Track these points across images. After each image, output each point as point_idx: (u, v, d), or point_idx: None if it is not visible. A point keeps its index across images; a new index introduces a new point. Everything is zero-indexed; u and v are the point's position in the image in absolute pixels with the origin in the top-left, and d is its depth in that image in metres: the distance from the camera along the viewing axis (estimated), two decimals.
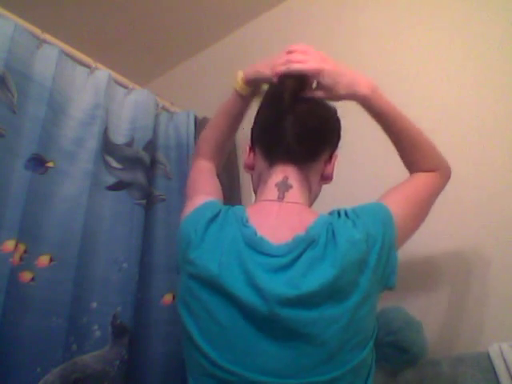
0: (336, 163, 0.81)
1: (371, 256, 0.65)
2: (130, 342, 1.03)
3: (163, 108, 1.44)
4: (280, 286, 0.63)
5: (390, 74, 1.31)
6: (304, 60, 0.76)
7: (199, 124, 1.50)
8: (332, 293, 0.63)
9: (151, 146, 1.27)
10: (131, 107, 1.28)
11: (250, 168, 0.84)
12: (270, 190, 0.76)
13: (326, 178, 0.81)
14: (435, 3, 1.31)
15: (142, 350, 1.09)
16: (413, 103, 1.19)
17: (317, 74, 0.75)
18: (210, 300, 0.67)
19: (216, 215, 0.74)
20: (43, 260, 0.94)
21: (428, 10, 1.32)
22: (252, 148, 0.84)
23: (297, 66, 0.76)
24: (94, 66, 1.22)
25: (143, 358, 1.09)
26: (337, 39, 1.50)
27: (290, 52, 0.79)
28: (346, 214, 0.70)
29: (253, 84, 0.88)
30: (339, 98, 0.77)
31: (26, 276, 0.90)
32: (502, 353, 0.89)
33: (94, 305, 1.01)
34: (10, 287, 0.85)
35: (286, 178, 0.76)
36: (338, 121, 0.81)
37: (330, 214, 0.72)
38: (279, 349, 0.63)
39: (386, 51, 1.36)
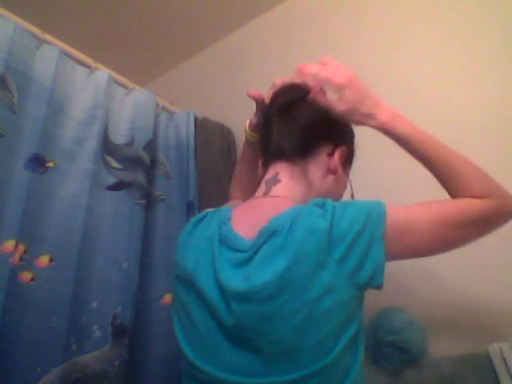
0: (341, 158, 0.76)
1: (337, 247, 0.59)
2: (130, 342, 1.03)
3: (163, 108, 1.44)
4: (236, 280, 0.62)
5: (391, 74, 1.31)
6: (334, 71, 0.75)
7: (199, 124, 1.50)
8: (285, 285, 0.58)
9: (151, 145, 1.27)
10: (131, 107, 1.28)
11: (260, 178, 0.83)
12: (260, 188, 0.77)
13: (332, 172, 0.77)
14: (436, 3, 1.31)
15: (142, 350, 1.09)
16: (413, 103, 1.19)
17: (343, 86, 0.74)
18: (188, 300, 0.68)
19: (202, 218, 0.76)
20: (43, 260, 0.94)
21: (428, 9, 1.32)
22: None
23: (326, 74, 0.75)
24: (94, 66, 1.22)
25: (143, 358, 1.09)
26: (337, 39, 1.50)
27: (322, 63, 0.78)
28: (323, 204, 0.64)
29: (257, 129, 0.89)
30: (357, 115, 0.74)
31: (26, 276, 0.90)
32: (501, 353, 0.89)
33: (94, 305, 1.00)
34: (9, 287, 0.85)
35: (276, 174, 0.76)
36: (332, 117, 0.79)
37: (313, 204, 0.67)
38: (241, 346, 0.61)
39: (387, 51, 1.36)
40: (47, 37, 1.11)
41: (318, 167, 0.76)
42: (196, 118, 1.49)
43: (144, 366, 1.09)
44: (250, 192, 0.92)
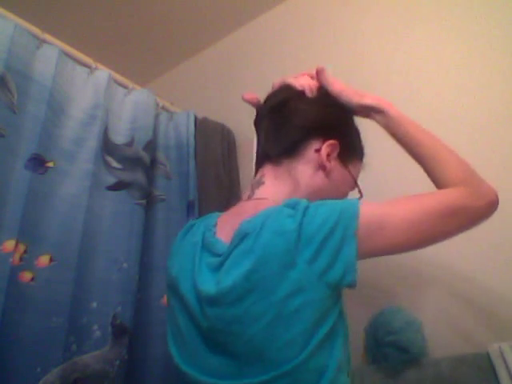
0: (330, 152, 0.75)
1: (306, 247, 0.59)
2: (130, 342, 1.03)
3: (163, 108, 1.44)
4: (210, 284, 0.63)
5: (391, 74, 1.31)
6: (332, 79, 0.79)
7: (199, 124, 1.50)
8: (252, 287, 0.59)
9: (151, 145, 1.27)
10: (131, 107, 1.28)
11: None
12: (247, 191, 0.77)
13: (321, 169, 0.75)
14: (436, 3, 1.31)
15: (142, 350, 1.09)
16: (413, 103, 1.19)
17: (339, 93, 0.78)
18: (174, 304, 0.71)
19: (192, 225, 0.77)
20: (43, 260, 0.94)
21: (428, 10, 1.32)
22: None
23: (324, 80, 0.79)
24: (94, 65, 1.22)
25: (143, 358, 1.09)
26: (337, 39, 1.50)
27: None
28: (295, 204, 0.63)
29: None
30: (349, 94, 0.78)
31: (26, 276, 0.90)
32: (501, 353, 0.89)
33: (94, 305, 1.01)
34: (9, 287, 0.85)
35: (261, 177, 0.76)
36: (317, 108, 0.78)
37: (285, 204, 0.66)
38: (217, 350, 0.62)
39: (387, 51, 1.36)
40: (47, 37, 1.11)
41: (306, 165, 0.75)
42: (196, 118, 1.49)
43: (144, 365, 1.09)
44: None
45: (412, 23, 1.34)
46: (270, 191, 0.73)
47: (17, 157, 0.95)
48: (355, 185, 0.80)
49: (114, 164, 1.17)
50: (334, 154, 0.75)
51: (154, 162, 1.30)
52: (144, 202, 1.19)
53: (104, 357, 0.97)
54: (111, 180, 1.15)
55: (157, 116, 1.37)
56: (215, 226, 0.72)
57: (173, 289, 0.71)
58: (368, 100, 0.77)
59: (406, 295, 1.10)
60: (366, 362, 1.08)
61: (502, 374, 0.87)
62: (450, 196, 0.66)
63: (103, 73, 1.22)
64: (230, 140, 1.58)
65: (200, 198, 1.37)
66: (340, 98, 0.78)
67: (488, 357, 0.90)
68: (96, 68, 1.22)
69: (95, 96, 1.17)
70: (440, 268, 1.08)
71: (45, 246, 0.95)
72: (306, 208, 0.62)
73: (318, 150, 0.75)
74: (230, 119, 1.62)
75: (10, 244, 0.88)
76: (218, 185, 1.43)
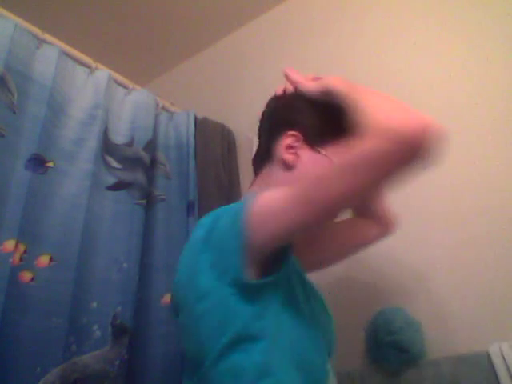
0: (288, 143, 0.72)
1: (209, 252, 0.62)
2: (130, 341, 1.03)
3: (163, 108, 1.44)
4: None
5: (389, 75, 1.31)
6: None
7: (199, 124, 1.50)
8: (176, 300, 0.69)
9: (151, 145, 1.27)
10: (131, 107, 1.28)
11: None
12: None
13: (285, 165, 0.72)
14: (436, 3, 1.31)
15: (142, 350, 1.09)
16: (413, 103, 1.19)
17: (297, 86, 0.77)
18: None
19: None
20: (43, 260, 0.94)
21: (428, 10, 1.32)
22: None
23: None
24: (94, 65, 1.22)
25: (143, 358, 1.09)
26: (336, 39, 1.50)
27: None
28: (215, 212, 0.68)
29: None
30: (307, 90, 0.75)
31: (26, 276, 0.90)
32: (502, 353, 0.89)
33: (94, 305, 1.00)
34: (9, 287, 0.85)
35: (251, 186, 0.80)
36: (276, 104, 0.79)
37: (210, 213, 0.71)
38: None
39: (386, 51, 1.36)
40: (47, 37, 1.11)
41: (278, 166, 0.74)
42: (196, 118, 1.49)
43: (144, 365, 1.09)
44: None
45: (412, 23, 1.34)
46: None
47: (17, 157, 0.95)
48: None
49: (114, 164, 1.17)
50: (297, 144, 0.72)
51: (154, 162, 1.29)
52: (144, 202, 1.19)
53: (104, 357, 0.97)
54: (111, 180, 1.15)
55: (157, 116, 1.36)
56: None
57: None
58: (311, 87, 0.74)
59: (405, 295, 1.10)
60: (366, 362, 1.08)
61: (502, 374, 0.87)
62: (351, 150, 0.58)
63: (103, 73, 1.22)
64: (230, 140, 1.58)
65: (200, 198, 1.37)
66: (301, 91, 0.76)
67: (488, 357, 0.91)
68: (96, 68, 1.22)
69: (95, 96, 1.17)
70: (440, 268, 1.08)
71: (45, 246, 0.95)
72: (218, 215, 0.66)
73: (279, 147, 0.74)
74: (230, 119, 1.62)
75: (9, 244, 0.87)
76: (218, 185, 1.43)
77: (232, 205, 0.67)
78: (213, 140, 1.49)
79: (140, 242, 1.13)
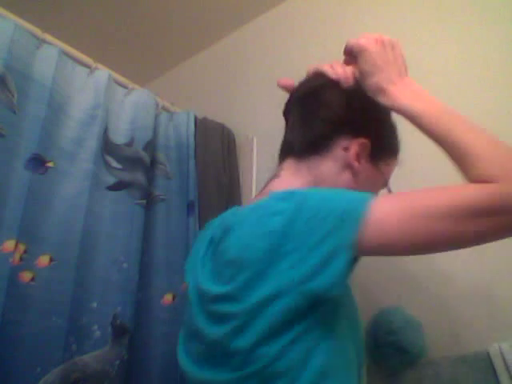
0: (359, 152, 0.69)
1: (292, 253, 0.54)
2: (130, 342, 1.03)
3: (163, 108, 1.44)
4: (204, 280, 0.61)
5: None
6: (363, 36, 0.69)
7: (199, 124, 1.50)
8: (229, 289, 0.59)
9: (151, 145, 1.27)
10: (131, 107, 1.28)
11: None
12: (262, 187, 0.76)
13: (350, 169, 0.69)
14: (436, 4, 1.31)
15: (142, 350, 1.09)
16: None
17: (359, 49, 0.67)
18: (187, 302, 0.69)
19: (211, 222, 0.77)
20: (43, 260, 0.94)
21: (428, 10, 1.32)
22: None
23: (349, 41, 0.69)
24: (94, 66, 1.22)
25: (143, 358, 1.09)
26: (337, 39, 1.49)
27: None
28: (286, 198, 0.57)
29: None
30: (368, 84, 0.67)
31: (26, 276, 0.90)
32: (502, 353, 0.89)
33: (94, 305, 1.00)
34: (9, 287, 0.85)
35: (279, 170, 0.72)
36: (351, 101, 0.70)
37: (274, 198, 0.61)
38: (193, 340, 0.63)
39: None
40: (47, 37, 1.11)
41: (332, 163, 0.69)
42: (196, 118, 1.49)
43: (144, 365, 1.09)
44: None
45: (413, 23, 1.34)
46: (281, 186, 0.68)
47: (17, 157, 0.95)
48: (386, 186, 0.74)
49: (114, 164, 1.17)
50: (364, 154, 0.69)
51: (154, 162, 1.29)
52: (144, 202, 1.19)
53: (104, 357, 0.97)
54: (111, 180, 1.15)
55: (157, 116, 1.36)
56: None
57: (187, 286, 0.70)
58: (382, 100, 0.66)
59: (406, 295, 1.10)
60: (365, 362, 1.08)
61: (502, 374, 0.87)
62: (469, 193, 0.52)
63: (103, 73, 1.22)
64: (230, 140, 1.58)
65: (200, 198, 1.37)
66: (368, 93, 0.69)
67: (488, 357, 0.90)
68: (96, 68, 1.22)
69: (95, 96, 1.17)
70: (439, 268, 1.08)
71: (45, 246, 0.95)
72: (300, 203, 0.54)
73: (346, 149, 0.69)
74: (230, 119, 1.62)
75: (9, 244, 0.87)
76: (218, 185, 1.43)
77: (326, 195, 0.57)
78: (213, 140, 1.49)
79: (140, 242, 1.13)
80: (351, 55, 0.70)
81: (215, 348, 0.57)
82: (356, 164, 0.69)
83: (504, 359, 0.88)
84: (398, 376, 1.00)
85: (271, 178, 0.73)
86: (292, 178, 0.70)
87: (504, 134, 1.09)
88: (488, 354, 0.91)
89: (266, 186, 0.73)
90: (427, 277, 1.09)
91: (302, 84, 0.76)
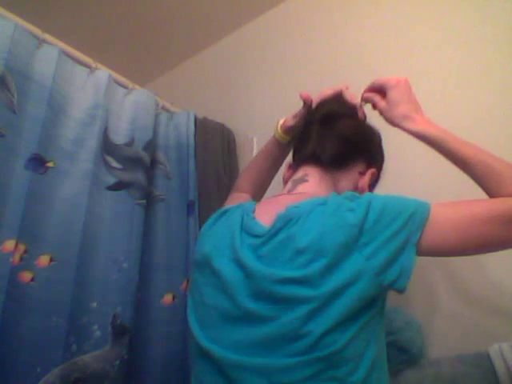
0: (370, 180, 0.80)
1: (368, 244, 0.60)
2: (130, 342, 1.03)
3: (163, 108, 1.44)
4: (256, 264, 0.64)
5: (392, 74, 1.31)
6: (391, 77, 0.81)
7: (199, 124, 1.50)
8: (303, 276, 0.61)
9: (151, 145, 1.27)
10: (131, 107, 1.28)
11: (285, 181, 0.85)
12: (286, 186, 0.80)
13: (359, 191, 0.78)
14: (436, 4, 1.31)
15: (142, 350, 1.09)
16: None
17: (392, 86, 0.78)
18: (202, 281, 0.71)
19: (227, 210, 0.79)
20: (43, 260, 0.94)
21: (429, 10, 1.32)
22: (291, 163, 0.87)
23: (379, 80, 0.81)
24: (94, 65, 1.22)
25: (143, 358, 1.09)
26: (337, 39, 1.50)
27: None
28: (353, 197, 0.65)
29: (291, 132, 0.91)
30: (394, 114, 0.77)
31: (26, 276, 0.90)
32: (501, 353, 0.89)
33: (94, 305, 1.01)
34: (10, 287, 0.85)
35: (305, 175, 0.79)
36: (370, 134, 0.83)
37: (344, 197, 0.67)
38: (255, 325, 0.62)
39: (387, 51, 1.36)
40: (47, 37, 1.11)
41: (348, 181, 0.79)
42: (196, 118, 1.49)
43: (144, 366, 1.09)
44: (261, 187, 0.99)
45: (413, 23, 1.34)
46: (313, 190, 0.75)
47: (17, 157, 0.95)
48: None
49: (114, 164, 1.17)
50: (372, 182, 0.80)
51: (154, 162, 1.30)
52: (144, 202, 1.19)
53: (104, 357, 0.97)
54: (111, 180, 1.15)
55: (157, 116, 1.36)
56: (253, 211, 0.74)
57: (203, 267, 0.72)
58: (408, 125, 0.75)
59: (405, 295, 1.10)
60: None
61: (502, 373, 0.87)
62: (505, 203, 0.63)
63: (103, 73, 1.22)
64: (230, 140, 1.58)
65: (200, 198, 1.38)
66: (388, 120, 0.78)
67: (488, 357, 0.90)
68: (96, 68, 1.22)
69: (95, 96, 1.17)
70: (439, 268, 1.08)
71: (45, 246, 0.95)
72: (370, 202, 0.62)
73: (361, 173, 0.79)
74: (230, 119, 1.62)
75: (9, 244, 0.88)
76: (218, 185, 1.43)
77: (394, 198, 0.65)
78: (213, 140, 1.49)
79: (140, 242, 1.13)
80: (378, 90, 0.81)
81: (277, 331, 0.59)
82: (367, 190, 0.78)
83: (504, 359, 0.88)
84: (398, 376, 1.00)
85: (299, 182, 0.78)
86: (318, 186, 0.76)
87: (504, 133, 1.10)
88: (488, 354, 0.91)
89: (294, 187, 0.78)
90: (427, 277, 1.09)
91: (328, 103, 0.83)
